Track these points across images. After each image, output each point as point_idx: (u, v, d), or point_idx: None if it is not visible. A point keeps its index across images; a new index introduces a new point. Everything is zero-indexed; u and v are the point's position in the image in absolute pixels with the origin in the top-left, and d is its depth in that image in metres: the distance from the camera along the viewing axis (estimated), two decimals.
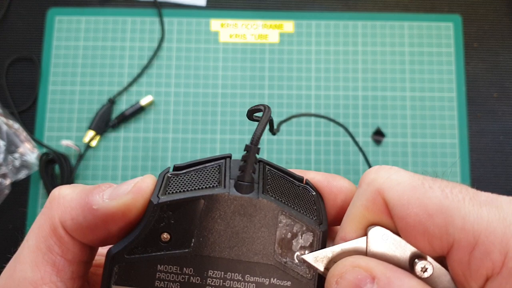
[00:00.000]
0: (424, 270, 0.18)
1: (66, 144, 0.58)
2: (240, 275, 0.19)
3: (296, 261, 0.19)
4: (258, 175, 0.20)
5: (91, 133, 0.59)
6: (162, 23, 0.62)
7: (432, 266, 0.18)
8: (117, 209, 0.19)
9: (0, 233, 0.58)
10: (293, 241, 0.19)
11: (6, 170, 0.56)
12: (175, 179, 0.20)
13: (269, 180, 0.20)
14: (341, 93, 0.61)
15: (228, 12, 0.63)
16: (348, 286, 0.18)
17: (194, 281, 0.19)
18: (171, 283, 0.19)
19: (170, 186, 0.20)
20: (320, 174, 0.22)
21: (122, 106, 0.60)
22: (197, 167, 0.20)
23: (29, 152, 0.57)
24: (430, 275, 0.18)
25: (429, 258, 0.18)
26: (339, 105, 0.61)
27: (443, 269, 0.18)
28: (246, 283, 0.19)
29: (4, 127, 0.57)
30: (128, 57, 0.62)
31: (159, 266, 0.19)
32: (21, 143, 0.57)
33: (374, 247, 0.19)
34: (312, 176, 0.22)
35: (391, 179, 0.18)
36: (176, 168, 0.21)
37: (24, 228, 0.57)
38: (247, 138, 0.59)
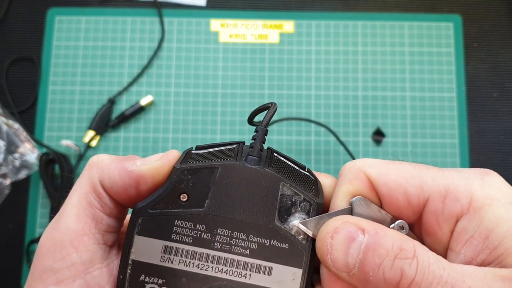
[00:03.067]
0: (401, 227, 0.21)
1: (66, 144, 0.58)
2: (245, 234, 0.22)
3: (294, 227, 0.22)
4: (266, 156, 0.23)
5: (91, 133, 0.59)
6: (162, 23, 0.62)
7: (408, 225, 0.22)
8: (148, 171, 0.22)
9: (0, 233, 0.58)
10: (292, 209, 0.22)
11: (6, 170, 0.56)
12: (195, 154, 0.23)
13: (275, 160, 0.23)
14: (341, 93, 0.61)
15: (228, 12, 0.63)
16: (343, 239, 0.20)
17: (205, 236, 0.22)
18: (185, 237, 0.22)
19: (191, 158, 0.23)
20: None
21: (122, 106, 0.60)
22: (216, 148, 0.24)
23: (29, 152, 0.57)
24: (406, 233, 0.21)
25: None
26: (339, 105, 0.61)
27: (411, 233, 0.22)
28: (249, 242, 0.22)
29: (4, 127, 0.57)
30: (128, 57, 0.62)
31: (176, 221, 0.22)
32: (21, 143, 0.57)
33: (359, 212, 0.22)
34: None
35: (368, 161, 0.22)
36: (198, 147, 0.24)
37: (24, 228, 0.57)
38: (247, 138, 0.59)
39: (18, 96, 0.61)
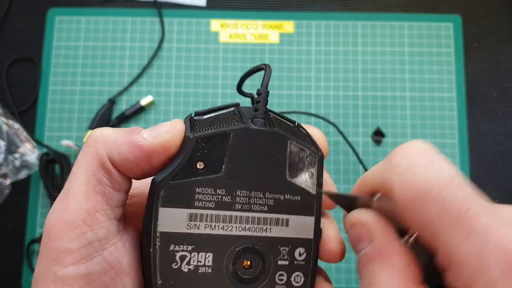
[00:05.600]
0: (411, 238, 0.20)
1: (67, 144, 0.58)
2: (261, 193, 0.23)
3: (304, 179, 0.24)
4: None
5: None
6: (162, 23, 0.62)
7: (418, 238, 0.19)
8: (160, 145, 0.22)
9: (0, 233, 0.58)
10: (300, 164, 0.24)
11: (7, 170, 0.56)
12: (200, 121, 0.24)
13: (273, 120, 0.25)
14: (341, 93, 0.61)
15: (228, 12, 0.63)
16: (353, 236, 0.21)
17: (225, 200, 0.23)
18: (207, 203, 0.22)
19: (198, 125, 0.23)
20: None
21: (122, 106, 0.60)
22: (216, 112, 0.25)
23: (30, 152, 0.57)
24: (413, 246, 0.20)
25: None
26: (339, 105, 0.61)
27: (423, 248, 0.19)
28: (266, 199, 0.23)
29: (5, 127, 0.57)
30: (128, 57, 0.62)
31: (197, 188, 0.22)
32: (21, 143, 0.57)
33: (377, 206, 0.21)
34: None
35: (407, 183, 0.19)
36: (198, 113, 0.24)
37: (24, 228, 0.58)
38: None
39: (18, 96, 0.61)
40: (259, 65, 0.25)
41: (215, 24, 0.63)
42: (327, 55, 0.62)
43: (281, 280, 0.23)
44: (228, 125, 0.23)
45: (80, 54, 0.62)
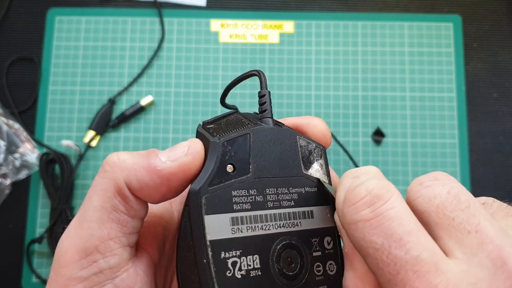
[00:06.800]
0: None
1: (67, 144, 0.58)
2: (286, 189, 0.24)
3: (317, 170, 0.25)
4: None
5: (91, 133, 0.59)
6: (162, 23, 0.62)
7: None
8: (179, 168, 0.22)
9: (0, 233, 0.58)
10: (310, 156, 0.25)
11: (7, 170, 0.56)
12: (214, 128, 0.25)
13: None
14: (341, 93, 0.61)
15: (228, 12, 0.63)
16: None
17: (258, 199, 0.23)
18: (244, 204, 0.23)
19: (215, 131, 0.24)
20: (300, 118, 0.27)
21: (122, 106, 0.60)
22: (224, 119, 0.26)
23: (30, 152, 0.57)
24: None
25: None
26: (339, 105, 0.61)
27: None
28: (291, 194, 0.24)
29: (5, 127, 0.57)
30: (128, 57, 0.62)
31: (233, 192, 0.22)
32: (21, 143, 0.57)
33: None
34: (294, 120, 0.27)
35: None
36: (206, 122, 0.25)
37: (24, 227, 0.58)
38: None
39: (18, 96, 0.61)
40: (249, 72, 0.25)
41: (215, 24, 0.63)
42: (327, 55, 0.62)
43: (318, 271, 0.24)
44: (243, 127, 0.24)
45: (80, 54, 0.62)
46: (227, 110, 0.27)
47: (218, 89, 0.61)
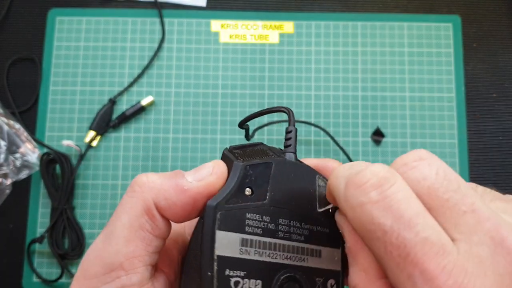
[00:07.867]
0: None
1: (67, 144, 0.58)
2: (299, 223, 0.24)
3: (331, 212, 0.25)
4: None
5: (92, 133, 0.59)
6: (162, 24, 0.63)
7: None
8: (205, 188, 0.23)
9: (1, 233, 0.58)
10: (326, 197, 0.24)
11: (7, 170, 0.57)
12: (240, 153, 0.25)
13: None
14: (341, 93, 0.61)
15: (228, 12, 0.63)
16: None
17: (270, 227, 0.23)
18: (256, 228, 0.23)
19: (240, 156, 0.25)
20: (320, 160, 0.27)
21: (123, 106, 0.61)
22: (249, 147, 0.26)
23: (30, 152, 0.57)
24: None
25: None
26: (339, 105, 0.61)
27: None
28: (303, 229, 0.24)
29: (5, 127, 0.58)
30: (129, 58, 0.62)
31: (247, 214, 0.23)
32: (22, 143, 0.58)
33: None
34: (315, 161, 0.27)
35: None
36: (233, 148, 0.26)
37: (25, 227, 0.58)
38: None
39: (19, 97, 0.61)
40: (278, 107, 0.26)
41: (215, 25, 0.63)
42: (327, 55, 0.62)
43: None
44: (267, 156, 0.24)
45: (81, 54, 0.62)
46: (243, 131, 0.28)
47: (218, 89, 0.61)
